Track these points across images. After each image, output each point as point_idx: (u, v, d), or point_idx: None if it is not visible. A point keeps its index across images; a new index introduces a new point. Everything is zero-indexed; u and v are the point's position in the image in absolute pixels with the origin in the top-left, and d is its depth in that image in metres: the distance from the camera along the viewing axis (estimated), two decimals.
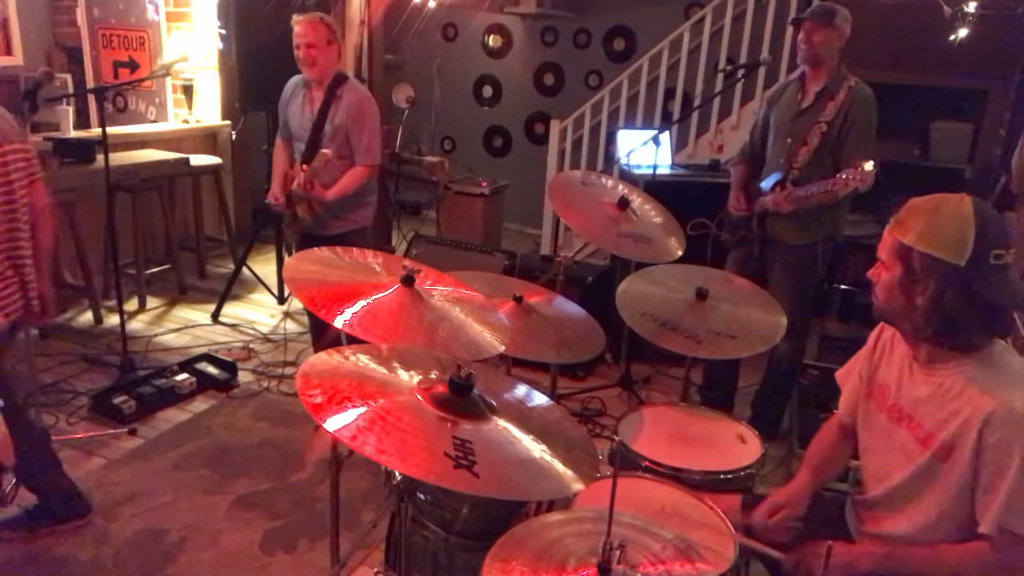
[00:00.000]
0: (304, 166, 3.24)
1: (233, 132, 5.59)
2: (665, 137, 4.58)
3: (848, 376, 1.83)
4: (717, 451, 2.04)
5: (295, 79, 3.35)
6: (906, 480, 1.56)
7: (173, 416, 3.41)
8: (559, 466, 1.35)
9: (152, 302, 4.69)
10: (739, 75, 3.92)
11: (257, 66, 4.11)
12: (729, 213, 3.28)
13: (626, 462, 1.92)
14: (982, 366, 1.47)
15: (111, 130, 3.69)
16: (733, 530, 1.60)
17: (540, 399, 1.61)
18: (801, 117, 3.05)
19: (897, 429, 1.60)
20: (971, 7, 4.02)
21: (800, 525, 1.74)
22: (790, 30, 4.65)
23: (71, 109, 4.68)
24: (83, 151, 4.14)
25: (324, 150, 3.19)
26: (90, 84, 5.79)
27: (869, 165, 2.73)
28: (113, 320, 4.27)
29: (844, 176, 2.78)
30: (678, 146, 5.25)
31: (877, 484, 1.66)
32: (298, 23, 3.17)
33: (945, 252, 1.41)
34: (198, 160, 5.06)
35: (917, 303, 1.47)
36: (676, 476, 1.87)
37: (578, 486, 1.33)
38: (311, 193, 3.21)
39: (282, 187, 3.38)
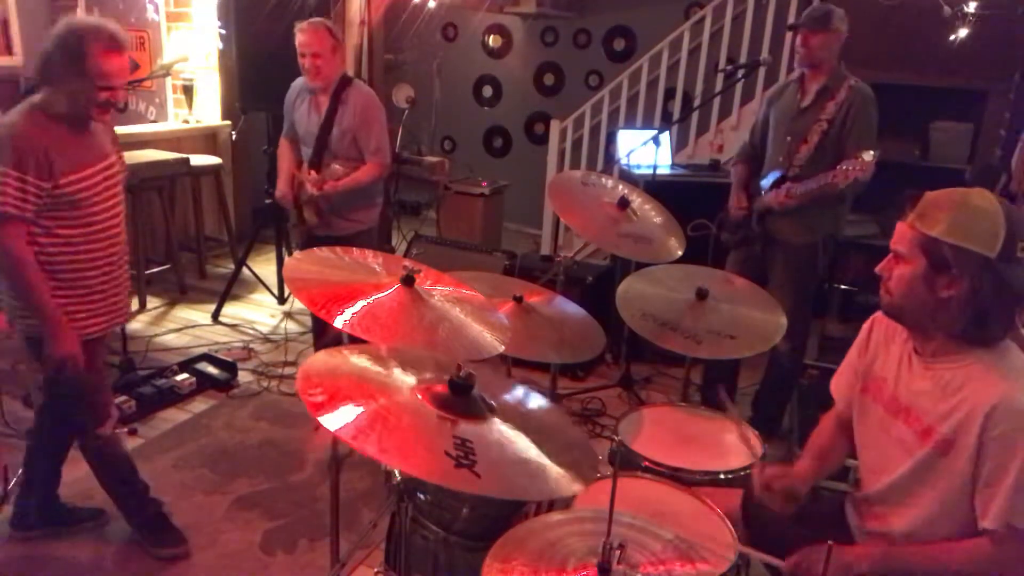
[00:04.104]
0: (312, 171, 3.25)
1: (233, 132, 5.59)
2: (665, 137, 4.58)
3: (840, 377, 1.84)
4: (717, 451, 2.04)
5: (300, 81, 3.34)
6: (905, 475, 1.55)
7: (173, 416, 3.41)
8: (558, 467, 1.35)
9: (152, 302, 4.69)
10: (739, 75, 3.92)
11: (257, 66, 4.10)
12: (729, 213, 3.28)
13: (626, 462, 1.92)
14: (986, 360, 1.46)
15: None
16: (734, 533, 1.60)
17: (539, 399, 1.61)
18: (802, 116, 3.05)
19: (894, 422, 1.59)
20: (971, 7, 4.02)
21: (796, 504, 1.74)
22: (789, 32, 4.66)
23: None
24: None
25: (336, 165, 3.22)
26: None
27: (868, 155, 2.73)
28: None
29: (844, 167, 2.78)
30: (678, 146, 5.24)
31: (875, 479, 1.65)
32: (302, 32, 3.14)
33: (978, 244, 1.40)
34: (198, 160, 5.06)
35: (942, 296, 1.45)
36: (676, 476, 1.87)
37: (578, 486, 1.33)
38: (324, 189, 3.21)
39: (289, 185, 3.38)
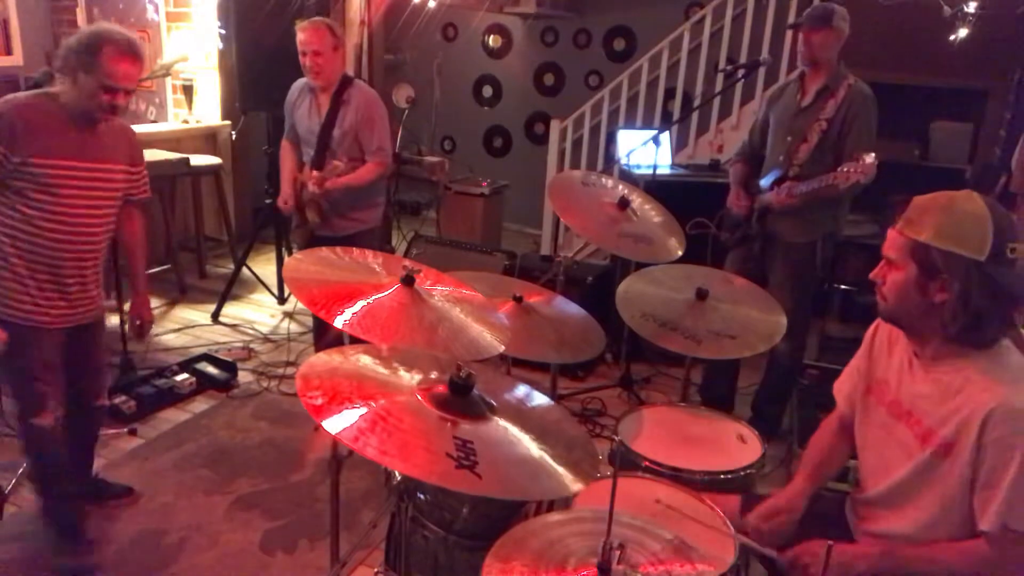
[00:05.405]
0: (314, 171, 3.25)
1: (233, 132, 5.58)
2: (665, 137, 4.58)
3: (844, 379, 1.83)
4: (717, 451, 2.04)
5: (301, 82, 3.33)
6: (906, 478, 1.56)
7: (173, 416, 3.41)
8: (559, 466, 1.35)
9: (152, 302, 4.65)
10: (739, 75, 3.92)
11: (257, 66, 4.10)
12: (729, 212, 3.28)
13: (626, 462, 1.92)
14: (985, 363, 1.46)
15: None
16: (733, 531, 1.60)
17: (540, 399, 1.61)
18: (801, 115, 3.05)
19: (896, 425, 1.59)
20: (971, 7, 4.02)
21: (794, 529, 1.73)
22: (790, 30, 4.66)
23: None
24: None
25: (336, 162, 3.20)
26: None
27: (870, 157, 2.74)
28: (113, 320, 4.26)
29: (845, 168, 2.79)
30: (678, 146, 5.24)
31: (875, 481, 1.65)
32: (303, 30, 3.13)
33: (966, 248, 1.41)
34: (198, 160, 5.06)
35: (935, 301, 1.45)
36: (676, 476, 1.87)
37: (578, 486, 1.33)
38: (327, 187, 3.20)
39: (292, 188, 3.38)
